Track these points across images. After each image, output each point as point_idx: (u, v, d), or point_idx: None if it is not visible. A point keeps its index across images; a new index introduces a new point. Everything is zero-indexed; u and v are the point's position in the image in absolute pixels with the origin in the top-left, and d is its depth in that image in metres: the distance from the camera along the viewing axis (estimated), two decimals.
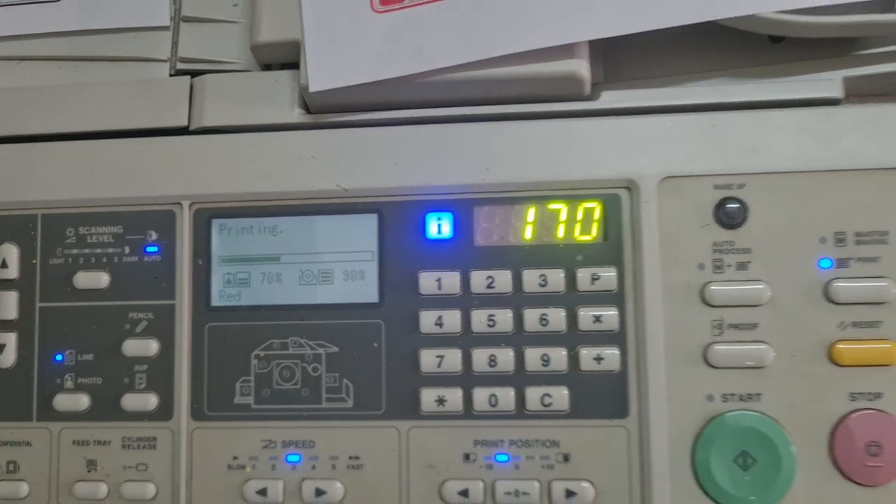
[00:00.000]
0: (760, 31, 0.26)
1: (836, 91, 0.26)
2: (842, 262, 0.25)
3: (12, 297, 0.28)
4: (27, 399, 0.28)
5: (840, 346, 0.25)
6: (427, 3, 0.26)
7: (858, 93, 0.27)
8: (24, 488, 0.28)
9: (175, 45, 0.30)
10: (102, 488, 0.27)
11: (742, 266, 0.26)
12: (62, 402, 0.28)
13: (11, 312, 0.28)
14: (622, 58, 0.28)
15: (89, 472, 0.28)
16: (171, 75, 0.30)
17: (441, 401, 0.26)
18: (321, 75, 0.26)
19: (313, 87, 0.26)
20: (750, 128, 0.26)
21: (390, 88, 0.26)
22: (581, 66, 0.26)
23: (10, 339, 0.28)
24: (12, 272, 0.28)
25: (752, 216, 0.26)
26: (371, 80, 0.26)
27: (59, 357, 0.28)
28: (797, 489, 0.25)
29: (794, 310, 0.25)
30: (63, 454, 0.28)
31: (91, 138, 0.29)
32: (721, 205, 0.26)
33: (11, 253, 0.28)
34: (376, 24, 0.26)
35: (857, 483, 0.25)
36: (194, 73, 0.30)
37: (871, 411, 0.25)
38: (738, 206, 0.26)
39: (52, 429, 0.28)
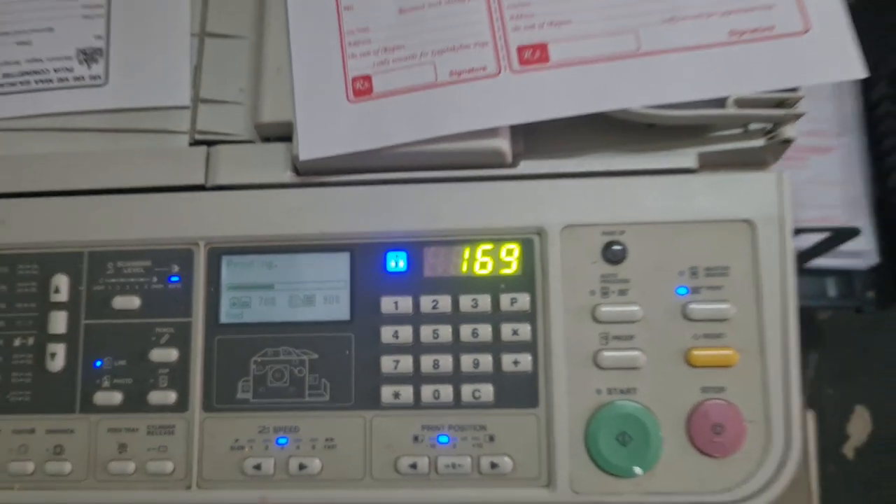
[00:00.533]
0: (635, 120, 0.35)
1: (692, 163, 0.35)
2: (695, 290, 0.34)
3: (62, 316, 0.36)
4: (72, 396, 0.36)
5: (694, 352, 0.34)
6: (388, 95, 0.35)
7: (709, 164, 0.36)
8: (67, 467, 0.35)
9: (194, 120, 0.39)
10: (131, 466, 0.35)
11: (622, 292, 0.34)
12: (100, 398, 0.35)
13: (61, 328, 0.36)
14: (538, 136, 0.37)
15: (120, 453, 0.35)
16: (190, 145, 0.38)
17: (396, 395, 0.35)
18: (308, 148, 0.35)
19: (302, 156, 0.35)
20: (629, 190, 0.35)
21: (360, 158, 0.35)
22: (503, 144, 0.35)
23: (60, 348, 0.36)
24: (63, 296, 0.36)
25: (630, 255, 0.35)
26: (345, 152, 0.35)
27: (98, 363, 0.36)
28: (663, 460, 0.33)
29: (660, 325, 0.34)
30: (100, 439, 0.35)
31: (128, 193, 0.37)
32: (607, 246, 0.35)
33: (63, 281, 0.36)
34: (350, 110, 0.35)
35: (706, 455, 0.33)
36: (209, 143, 0.38)
37: (716, 401, 0.33)
38: (620, 247, 0.35)
39: (92, 419, 0.36)
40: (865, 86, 0.75)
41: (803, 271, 0.71)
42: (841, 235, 0.61)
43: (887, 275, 0.71)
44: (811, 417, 0.80)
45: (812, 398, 0.82)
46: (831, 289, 0.73)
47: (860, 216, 0.71)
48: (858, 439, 0.81)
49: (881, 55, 0.71)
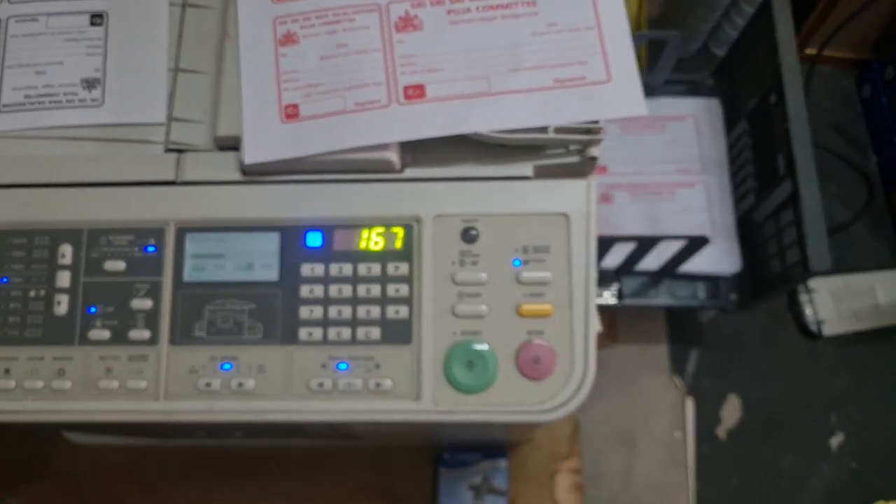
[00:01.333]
0: (486, 141, 0.49)
1: (529, 172, 0.49)
2: (526, 262, 0.48)
3: (67, 275, 0.49)
4: (72, 333, 0.48)
5: (523, 306, 0.47)
6: (310, 119, 0.49)
7: (543, 173, 0.50)
8: (68, 384, 0.48)
9: (168, 134, 0.52)
10: (115, 384, 0.48)
11: (474, 263, 0.48)
12: (93, 335, 0.48)
13: (66, 283, 0.49)
14: (422, 150, 0.50)
15: (107, 374, 0.48)
16: (165, 152, 0.51)
17: (310, 334, 0.48)
18: (251, 155, 0.48)
19: (246, 161, 0.48)
20: (482, 191, 0.49)
21: (290, 164, 0.48)
22: (392, 156, 0.48)
23: (65, 298, 0.48)
24: (68, 260, 0.49)
25: (482, 237, 0.48)
26: (278, 159, 0.48)
27: (92, 309, 0.48)
28: (498, 382, 0.47)
29: (500, 287, 0.48)
30: (92, 365, 0.48)
31: (117, 185, 0.50)
32: (465, 231, 0.48)
33: (68, 249, 0.49)
34: (283, 129, 0.49)
35: (529, 378, 0.47)
36: (179, 151, 0.51)
37: (537, 341, 0.47)
38: (474, 232, 0.48)
39: (87, 350, 0.48)
40: (729, 126, 0.90)
41: (679, 276, 0.87)
42: (694, 243, 0.76)
43: (747, 280, 0.86)
44: (690, 404, 0.96)
45: (692, 388, 0.96)
46: (701, 291, 0.88)
47: (723, 235, 0.87)
48: (730, 423, 0.96)
49: (742, 97, 0.87)
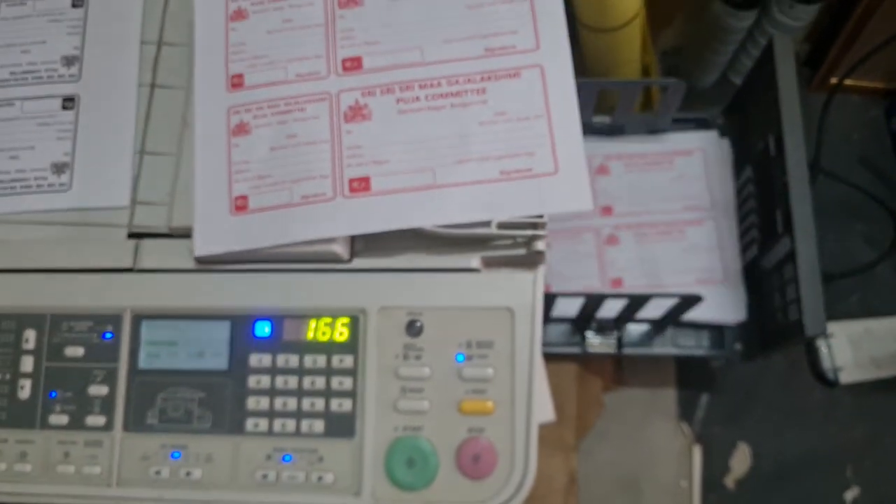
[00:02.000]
0: (431, 236, 0.48)
1: (477, 264, 0.49)
2: (469, 357, 0.47)
3: (30, 359, 0.51)
4: (33, 416, 0.50)
5: (465, 402, 0.47)
6: (258, 211, 0.49)
7: (491, 264, 0.49)
8: (28, 467, 0.50)
9: (132, 217, 0.53)
10: (72, 469, 0.49)
11: (418, 357, 0.48)
12: (53, 419, 0.50)
13: (29, 367, 0.51)
14: (373, 238, 0.50)
15: (65, 458, 0.49)
16: (128, 236, 0.53)
17: (256, 425, 0.48)
18: (201, 247, 0.49)
19: (196, 253, 0.49)
20: (428, 283, 0.49)
21: (240, 255, 0.49)
22: (338, 248, 0.49)
23: (28, 383, 0.50)
24: (31, 345, 0.51)
25: (426, 330, 0.48)
26: (225, 251, 0.49)
27: (53, 394, 0.50)
28: (438, 479, 0.47)
29: (442, 382, 0.47)
30: (52, 448, 0.50)
31: (78, 272, 0.52)
32: (410, 324, 0.48)
33: (31, 334, 0.51)
34: (232, 220, 0.49)
35: (469, 477, 0.46)
36: (141, 235, 0.53)
37: (477, 438, 0.47)
38: (419, 324, 0.48)
39: (47, 434, 0.50)
40: (737, 169, 0.87)
41: (683, 325, 0.84)
42: (687, 301, 0.74)
43: (753, 330, 0.83)
44: (698, 452, 0.93)
45: (700, 435, 0.94)
46: (705, 340, 0.86)
47: (729, 282, 0.84)
48: (739, 472, 0.93)
49: (750, 140, 0.84)
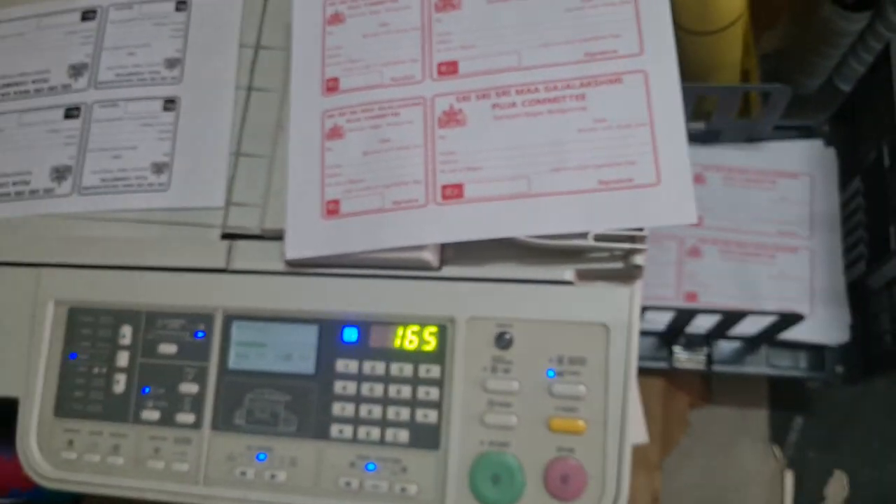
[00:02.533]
0: (524, 246, 0.47)
1: (570, 276, 0.47)
2: (560, 374, 0.46)
3: (126, 355, 0.52)
4: (127, 410, 0.51)
5: (554, 420, 0.45)
6: (350, 216, 0.49)
7: (585, 277, 0.47)
8: (120, 461, 0.51)
9: (225, 218, 0.54)
10: (161, 464, 0.50)
11: (506, 371, 0.47)
12: (145, 415, 0.51)
13: (125, 362, 0.52)
14: (465, 246, 0.49)
15: (155, 453, 0.50)
16: (221, 237, 0.53)
17: (341, 431, 0.48)
18: (292, 251, 0.49)
19: (287, 257, 0.49)
20: (519, 294, 0.47)
21: (330, 259, 0.49)
22: (429, 255, 0.48)
23: (123, 377, 0.52)
24: (127, 341, 0.52)
25: (515, 343, 0.47)
26: (315, 255, 0.49)
27: (146, 390, 0.51)
28: (524, 498, 0.45)
29: (531, 398, 0.46)
30: (143, 444, 0.51)
31: (174, 271, 0.52)
32: (499, 336, 0.47)
33: (128, 330, 0.52)
34: (323, 225, 0.49)
35: (556, 498, 0.45)
36: (234, 236, 0.53)
37: (567, 458, 0.45)
38: (508, 337, 0.47)
39: (139, 429, 0.51)
40: (843, 180, 0.82)
41: (778, 343, 0.80)
42: (787, 319, 0.70)
43: (857, 352, 0.78)
44: (790, 478, 0.89)
45: (793, 460, 0.89)
46: (803, 361, 0.81)
47: (830, 301, 0.79)
48: (834, 502, 0.87)
49: (861, 150, 0.79)
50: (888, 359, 0.73)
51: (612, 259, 0.47)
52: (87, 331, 0.53)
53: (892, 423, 0.89)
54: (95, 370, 0.52)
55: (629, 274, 0.46)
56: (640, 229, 0.45)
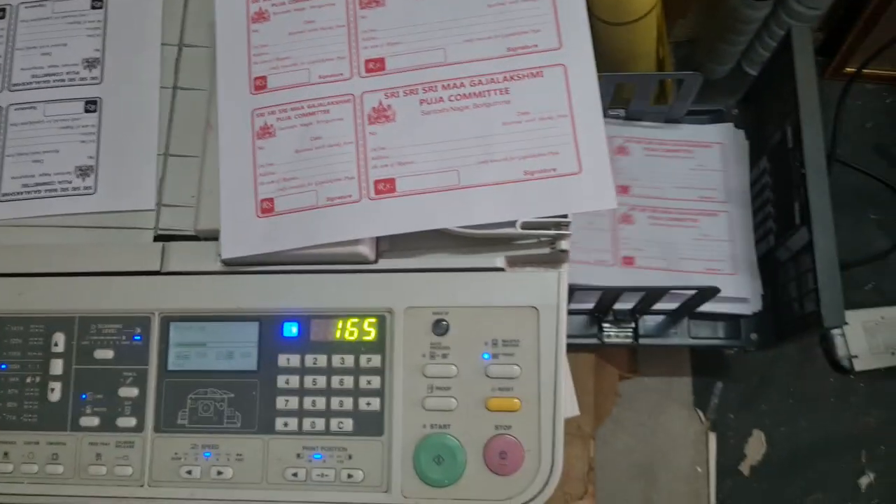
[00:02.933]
0: (456, 236, 0.48)
1: (502, 263, 0.49)
2: (495, 356, 0.48)
3: (60, 363, 0.51)
4: (64, 418, 0.51)
5: (491, 400, 0.48)
6: (284, 214, 0.49)
7: (516, 263, 0.50)
8: (60, 469, 0.50)
9: (157, 220, 0.54)
10: (103, 469, 0.50)
11: (444, 356, 0.48)
12: (84, 421, 0.50)
13: (59, 370, 0.51)
14: (399, 238, 0.50)
15: (97, 459, 0.50)
16: (154, 239, 0.53)
17: (286, 424, 0.49)
18: (228, 250, 0.50)
19: (223, 256, 0.50)
20: (454, 282, 0.49)
21: (267, 256, 0.50)
22: (364, 249, 0.49)
23: (58, 385, 0.51)
24: (60, 348, 0.51)
25: (452, 329, 0.49)
26: (251, 254, 0.49)
27: (83, 396, 0.51)
28: (465, 476, 0.47)
29: (469, 380, 0.48)
30: (83, 450, 0.50)
31: (106, 275, 0.52)
32: (436, 323, 0.49)
33: (60, 338, 0.52)
34: (258, 223, 0.50)
35: (496, 474, 0.47)
36: (168, 238, 0.53)
37: (504, 435, 0.47)
38: (445, 323, 0.49)
39: (78, 436, 0.51)
40: (752, 160, 0.87)
41: (698, 315, 0.85)
42: (704, 293, 0.74)
43: (769, 320, 0.84)
44: (713, 438, 0.94)
45: (715, 422, 0.94)
46: (721, 331, 0.86)
47: (744, 272, 0.84)
48: (754, 459, 0.94)
49: (766, 131, 0.83)
50: (796, 325, 0.79)
51: (540, 245, 0.49)
52: (16, 340, 0.52)
53: (803, 383, 0.96)
54: (28, 380, 0.51)
55: (556, 258, 0.49)
56: (565, 216, 0.47)
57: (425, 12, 0.51)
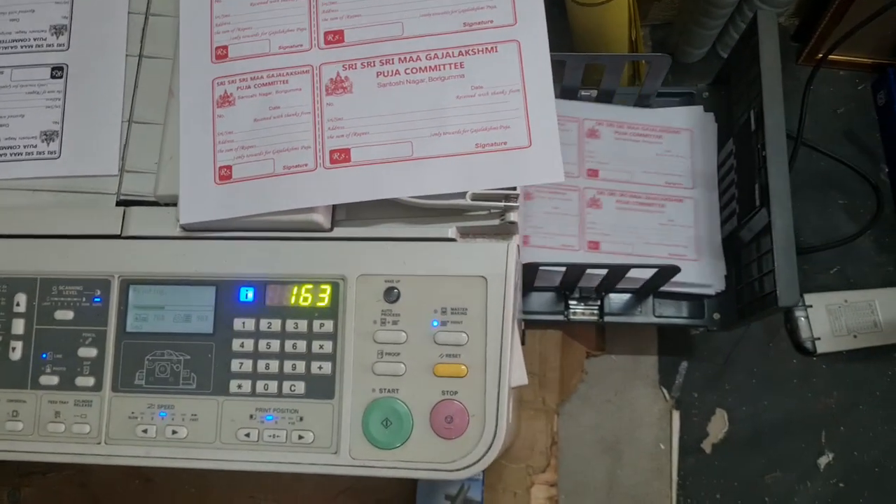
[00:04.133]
0: (406, 205, 0.50)
1: (453, 234, 0.50)
2: (443, 323, 0.49)
3: (21, 323, 0.52)
4: (25, 377, 0.52)
5: (438, 366, 0.49)
6: (241, 181, 0.51)
7: (467, 234, 0.51)
8: (20, 426, 0.52)
9: (119, 185, 0.55)
10: (62, 427, 0.51)
11: (395, 322, 0.50)
12: (44, 380, 0.52)
13: (20, 330, 0.52)
14: (355, 207, 0.52)
15: (55, 417, 0.52)
16: (117, 204, 0.54)
17: (240, 386, 0.50)
18: (186, 215, 0.51)
19: (181, 221, 0.51)
20: (406, 251, 0.50)
21: (224, 223, 0.51)
22: (319, 217, 0.50)
23: (19, 345, 0.52)
24: (22, 308, 0.53)
25: (403, 297, 0.50)
26: (209, 220, 0.50)
27: (44, 355, 0.52)
28: (412, 439, 0.49)
29: (418, 346, 0.49)
30: (42, 408, 0.52)
31: (68, 238, 0.53)
32: (388, 290, 0.50)
33: (22, 298, 0.53)
34: (216, 190, 0.51)
35: (442, 437, 0.49)
36: (129, 203, 0.54)
37: (451, 400, 0.49)
38: (396, 291, 0.50)
39: (38, 394, 0.52)
40: (720, 142, 0.89)
41: (663, 294, 0.86)
42: (665, 272, 0.76)
43: (732, 300, 0.85)
44: (677, 417, 0.96)
45: (680, 400, 0.96)
46: (685, 310, 0.88)
47: (708, 253, 0.86)
48: (716, 437, 0.96)
49: (733, 114, 0.85)
50: (757, 305, 0.80)
51: (490, 217, 0.50)
52: None
53: (766, 364, 0.97)
54: None
55: (506, 230, 0.50)
56: (514, 188, 0.49)
57: None
